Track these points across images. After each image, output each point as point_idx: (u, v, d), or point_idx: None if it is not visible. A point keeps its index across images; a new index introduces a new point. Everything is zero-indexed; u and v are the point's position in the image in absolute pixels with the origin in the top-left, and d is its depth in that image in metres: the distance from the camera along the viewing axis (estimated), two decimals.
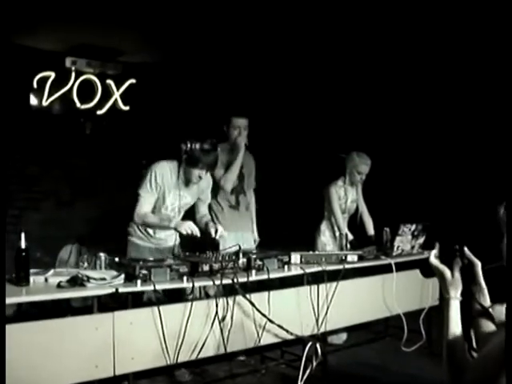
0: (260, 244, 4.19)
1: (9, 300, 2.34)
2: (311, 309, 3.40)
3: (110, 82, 5.90)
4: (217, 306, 2.97)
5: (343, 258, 3.66)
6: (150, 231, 3.57)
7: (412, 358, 3.90)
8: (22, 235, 2.65)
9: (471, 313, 1.62)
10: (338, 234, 4.42)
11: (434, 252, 1.69)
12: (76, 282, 2.71)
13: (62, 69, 5.59)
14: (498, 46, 4.44)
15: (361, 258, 3.77)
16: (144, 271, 2.80)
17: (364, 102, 6.04)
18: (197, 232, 3.32)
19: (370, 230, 4.59)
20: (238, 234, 3.94)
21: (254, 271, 3.16)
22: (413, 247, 4.06)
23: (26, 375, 2.39)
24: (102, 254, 3.06)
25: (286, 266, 3.38)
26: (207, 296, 3.30)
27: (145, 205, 3.44)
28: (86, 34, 5.14)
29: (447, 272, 1.64)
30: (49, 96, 5.57)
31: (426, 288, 4.00)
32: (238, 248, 3.23)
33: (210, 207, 3.90)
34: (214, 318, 2.97)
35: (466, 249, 1.64)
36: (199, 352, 2.94)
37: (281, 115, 6.24)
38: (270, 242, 4.01)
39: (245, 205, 4.16)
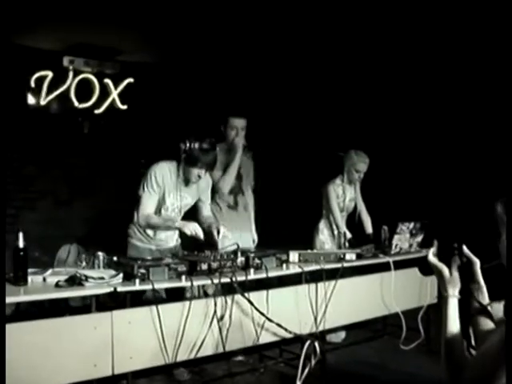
0: (258, 243, 4.18)
1: (7, 299, 2.34)
2: (310, 307, 3.40)
3: (107, 81, 5.89)
4: (215, 304, 2.97)
5: (341, 256, 3.66)
6: (150, 232, 3.55)
7: (410, 356, 3.91)
8: (20, 235, 2.64)
9: (470, 311, 1.62)
10: (336, 232, 4.42)
11: (433, 250, 1.69)
12: (74, 281, 2.70)
13: (60, 68, 5.57)
14: (498, 45, 4.45)
15: (359, 257, 3.77)
16: (142, 270, 2.79)
17: (362, 100, 6.04)
18: (200, 234, 3.29)
19: (369, 229, 4.58)
20: (236, 234, 3.92)
21: (252, 270, 3.16)
22: (411, 245, 4.07)
23: (25, 374, 2.39)
24: (100, 254, 3.06)
25: (284, 265, 3.38)
26: (206, 295, 3.29)
27: (147, 206, 3.41)
28: (84, 33, 5.13)
29: (445, 270, 1.64)
30: (46, 95, 5.55)
31: (425, 286, 4.01)
32: (236, 247, 3.23)
33: None
34: (213, 317, 2.97)
35: (464, 247, 1.64)
36: (198, 351, 2.94)
37: (279, 114, 6.23)
38: (269, 240, 4.00)
39: (243, 205, 4.15)
